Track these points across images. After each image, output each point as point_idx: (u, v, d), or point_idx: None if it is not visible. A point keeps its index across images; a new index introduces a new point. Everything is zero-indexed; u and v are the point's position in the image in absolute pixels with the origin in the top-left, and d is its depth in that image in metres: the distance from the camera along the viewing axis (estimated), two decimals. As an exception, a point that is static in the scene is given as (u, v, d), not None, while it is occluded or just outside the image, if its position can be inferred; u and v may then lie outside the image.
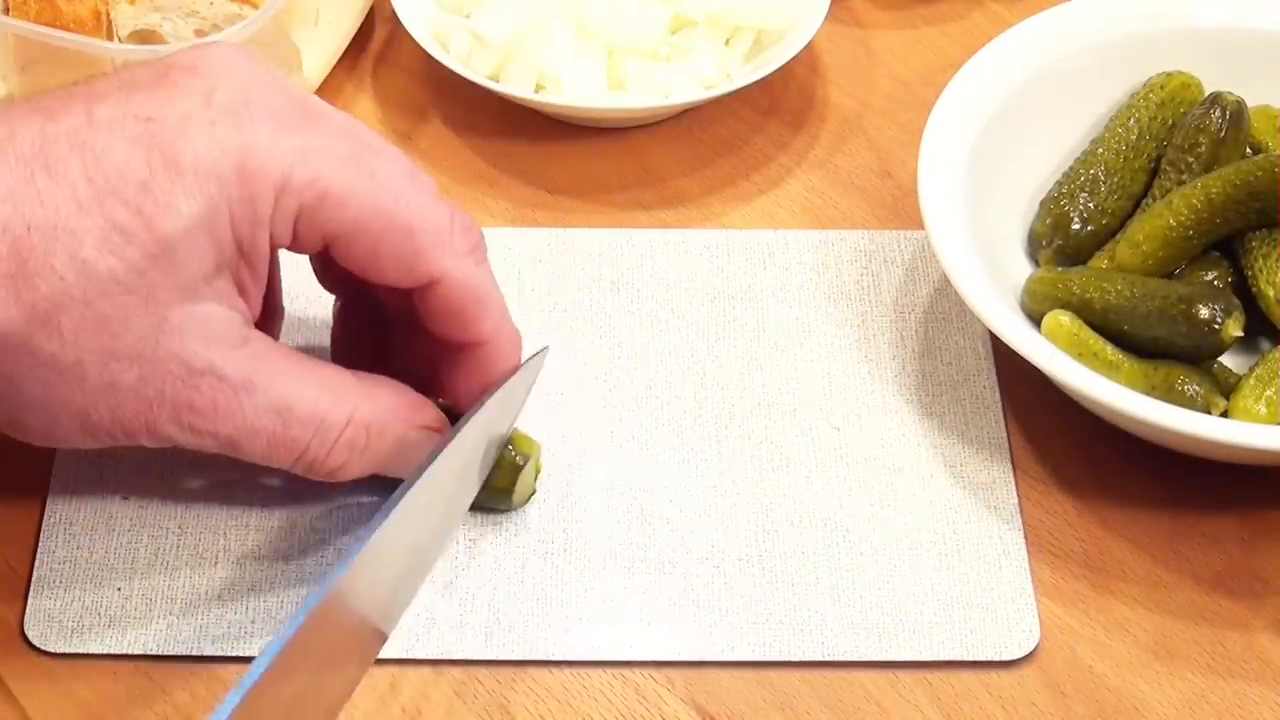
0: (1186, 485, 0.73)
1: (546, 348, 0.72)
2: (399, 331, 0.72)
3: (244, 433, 0.63)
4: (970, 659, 0.68)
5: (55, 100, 0.62)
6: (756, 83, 0.86)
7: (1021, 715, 0.67)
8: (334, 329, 0.74)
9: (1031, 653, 0.68)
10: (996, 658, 0.68)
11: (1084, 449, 0.75)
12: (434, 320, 0.67)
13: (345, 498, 0.72)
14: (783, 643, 0.68)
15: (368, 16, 0.93)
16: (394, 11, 0.88)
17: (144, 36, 0.84)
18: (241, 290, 0.64)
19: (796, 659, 0.68)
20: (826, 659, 0.68)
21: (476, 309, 0.66)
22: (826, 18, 0.88)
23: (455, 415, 0.68)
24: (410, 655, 0.68)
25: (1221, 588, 0.71)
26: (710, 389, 0.76)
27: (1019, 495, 0.73)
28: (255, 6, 0.84)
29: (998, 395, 0.76)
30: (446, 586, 0.69)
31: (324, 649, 0.61)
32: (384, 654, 0.67)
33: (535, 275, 0.81)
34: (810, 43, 0.87)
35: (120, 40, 0.84)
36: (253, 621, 0.68)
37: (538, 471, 0.72)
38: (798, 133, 0.89)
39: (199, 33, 0.84)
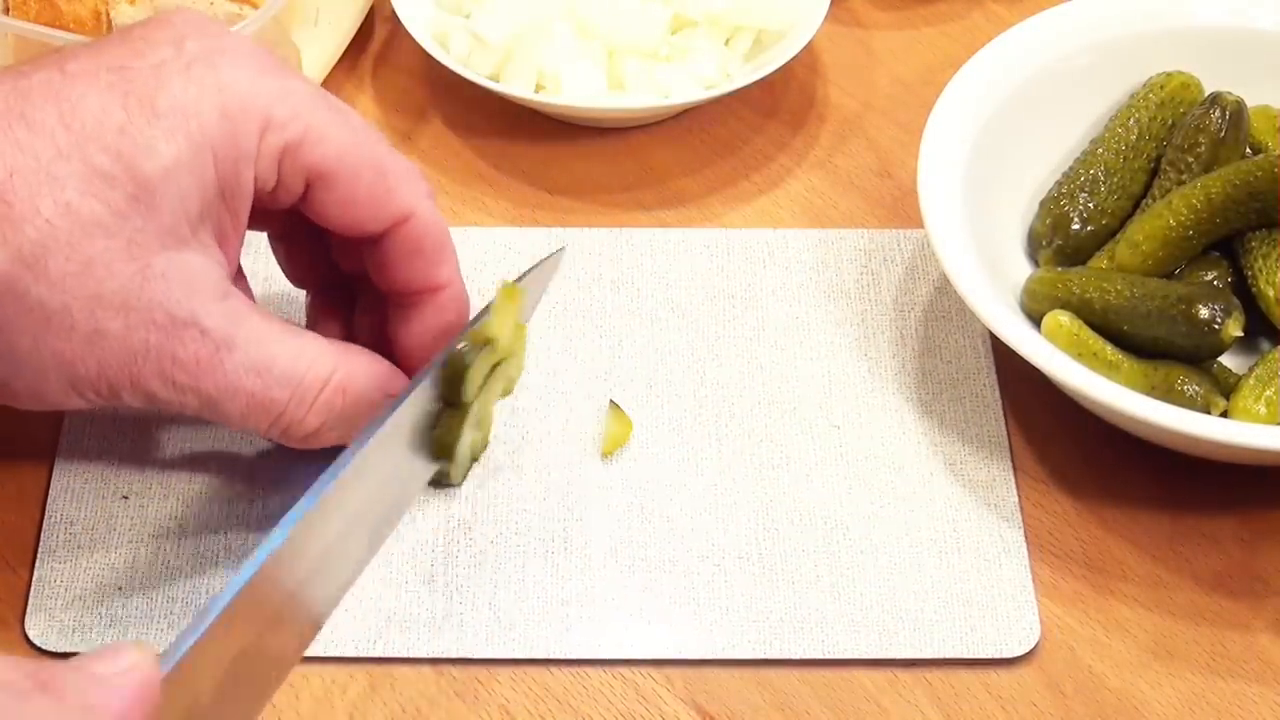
0: (1186, 485, 0.73)
1: (563, 248, 0.72)
2: (367, 318, 0.72)
3: (225, 391, 0.63)
4: (970, 656, 0.68)
5: (25, 64, 0.63)
6: (756, 83, 0.86)
7: (1021, 715, 0.67)
8: (306, 324, 0.74)
9: (1031, 652, 0.68)
10: (996, 655, 0.68)
11: (1084, 449, 0.75)
12: (396, 266, 0.68)
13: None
14: (783, 641, 0.68)
15: (368, 16, 0.93)
16: (394, 11, 0.88)
17: (144, 36, 0.84)
18: (223, 239, 0.64)
19: (797, 657, 0.68)
20: (826, 657, 0.68)
21: (439, 251, 0.68)
22: (826, 18, 0.88)
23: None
24: (410, 655, 0.68)
25: (1221, 588, 0.71)
26: (710, 388, 0.76)
27: (1019, 495, 0.73)
28: (255, 6, 0.84)
29: (998, 394, 0.76)
30: (447, 586, 0.69)
31: (280, 595, 0.59)
32: (385, 653, 0.67)
33: (535, 275, 0.81)
34: (810, 43, 0.87)
35: (120, 40, 0.84)
36: (253, 620, 0.68)
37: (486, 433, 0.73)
38: (798, 133, 0.89)
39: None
